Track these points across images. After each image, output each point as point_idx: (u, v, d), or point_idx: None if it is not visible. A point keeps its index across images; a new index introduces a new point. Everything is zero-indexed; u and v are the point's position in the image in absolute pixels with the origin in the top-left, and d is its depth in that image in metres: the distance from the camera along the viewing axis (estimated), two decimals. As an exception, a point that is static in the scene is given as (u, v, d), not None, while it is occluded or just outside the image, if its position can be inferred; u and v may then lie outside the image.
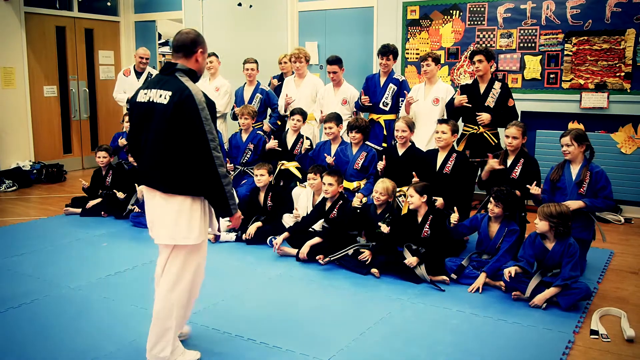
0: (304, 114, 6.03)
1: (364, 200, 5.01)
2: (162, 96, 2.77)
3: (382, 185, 4.72)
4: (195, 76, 2.92)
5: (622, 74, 6.08)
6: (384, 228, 4.50)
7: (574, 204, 4.25)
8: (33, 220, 6.15)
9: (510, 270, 3.91)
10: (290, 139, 6.08)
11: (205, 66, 3.05)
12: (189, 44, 2.88)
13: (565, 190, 4.50)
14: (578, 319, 3.66)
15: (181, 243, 2.89)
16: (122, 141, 6.68)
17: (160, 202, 2.87)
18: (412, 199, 4.54)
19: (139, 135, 2.91)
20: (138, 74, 7.38)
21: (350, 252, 4.58)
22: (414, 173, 5.00)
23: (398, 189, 5.09)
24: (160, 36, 10.81)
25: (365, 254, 4.48)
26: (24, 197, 7.37)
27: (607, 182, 4.39)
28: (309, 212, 5.31)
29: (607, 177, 4.43)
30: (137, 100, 2.92)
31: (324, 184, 4.96)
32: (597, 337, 3.44)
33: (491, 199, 4.37)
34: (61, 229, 5.75)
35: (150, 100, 2.82)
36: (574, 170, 4.49)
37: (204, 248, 3.06)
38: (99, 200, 6.27)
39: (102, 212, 6.18)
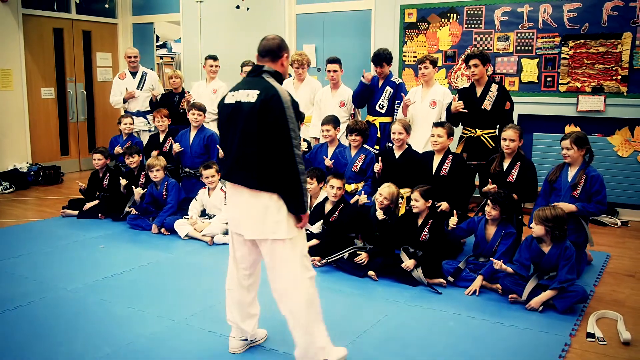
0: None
1: (365, 200, 5.01)
2: (249, 95, 2.88)
3: (388, 190, 4.70)
4: (280, 78, 3.02)
5: (619, 77, 6.09)
6: (380, 214, 4.54)
7: (566, 207, 4.26)
8: (30, 222, 6.14)
9: (500, 264, 3.94)
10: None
11: (287, 70, 3.15)
12: (276, 49, 3.01)
13: (560, 192, 4.53)
14: (574, 322, 3.67)
15: (271, 237, 2.92)
16: (118, 149, 6.67)
17: (248, 199, 2.93)
18: (417, 203, 4.53)
19: (227, 135, 3.01)
20: (133, 75, 7.38)
21: (347, 254, 4.58)
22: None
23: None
24: (158, 38, 10.82)
25: (362, 257, 4.49)
26: (21, 199, 7.36)
27: (601, 186, 4.40)
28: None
29: (603, 181, 4.44)
30: (225, 103, 3.02)
31: (332, 187, 4.92)
32: (593, 340, 3.44)
33: (488, 201, 4.38)
34: (58, 231, 5.75)
35: (238, 100, 2.93)
36: (571, 172, 4.50)
37: (302, 243, 3.05)
38: (96, 202, 6.26)
39: (100, 214, 6.17)
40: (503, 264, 3.99)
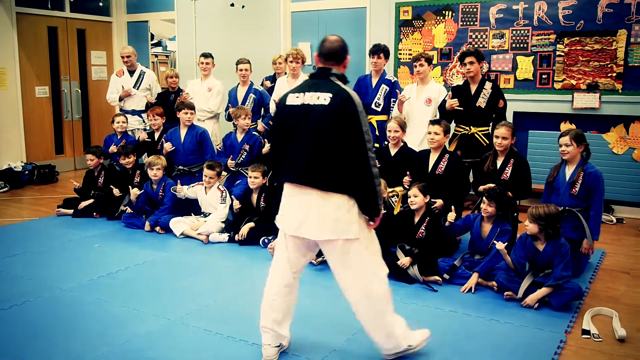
0: None
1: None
2: (319, 98, 2.88)
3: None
4: (346, 80, 3.02)
5: (614, 74, 6.10)
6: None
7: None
8: (25, 221, 6.12)
9: (502, 247, 3.99)
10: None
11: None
12: (340, 51, 3.02)
13: (559, 191, 4.52)
14: (570, 319, 3.67)
15: (343, 237, 2.91)
16: (113, 148, 6.65)
17: (317, 200, 2.91)
18: (416, 199, 4.54)
19: (288, 137, 2.98)
20: (131, 73, 7.36)
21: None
22: (408, 173, 5.01)
23: (391, 190, 5.10)
24: (152, 36, 10.78)
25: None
26: (15, 198, 7.33)
27: (598, 183, 4.40)
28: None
29: (602, 178, 4.44)
30: (287, 104, 3.00)
31: None
32: (588, 337, 3.45)
33: (484, 198, 4.38)
34: (53, 230, 5.73)
35: (306, 103, 2.91)
36: (569, 170, 4.50)
37: (375, 241, 3.06)
38: (91, 201, 6.25)
39: (95, 213, 6.16)
40: (504, 248, 4.01)
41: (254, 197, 5.47)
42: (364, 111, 2.87)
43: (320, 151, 2.86)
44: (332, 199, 2.88)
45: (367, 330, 3.09)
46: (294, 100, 2.97)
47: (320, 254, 4.63)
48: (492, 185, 4.60)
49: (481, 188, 4.68)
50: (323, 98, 2.86)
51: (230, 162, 6.09)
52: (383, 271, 3.03)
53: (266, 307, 3.17)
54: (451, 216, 4.44)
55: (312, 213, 2.93)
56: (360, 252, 2.95)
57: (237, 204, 5.46)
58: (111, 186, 6.18)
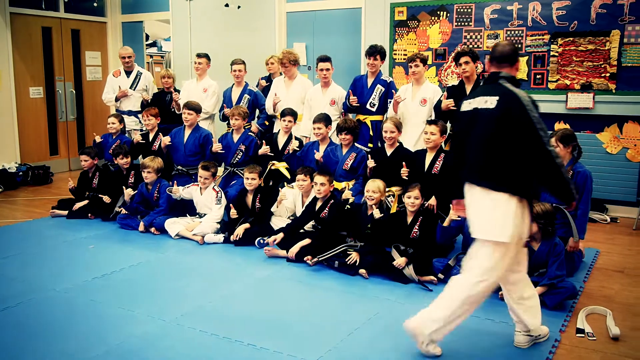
0: (294, 115, 6.03)
1: (352, 199, 5.02)
2: (487, 102, 3.02)
3: (374, 184, 4.72)
4: (517, 82, 3.13)
5: (607, 74, 6.13)
6: (377, 213, 4.58)
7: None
8: (19, 222, 6.10)
9: None
10: (281, 140, 6.07)
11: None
12: (512, 54, 3.14)
13: (549, 190, 4.55)
14: (564, 318, 3.69)
15: (493, 239, 2.97)
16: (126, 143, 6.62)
17: (478, 198, 3.05)
18: (417, 201, 4.54)
19: (464, 140, 3.17)
20: (128, 74, 7.35)
21: (338, 253, 4.59)
22: (403, 163, 5.02)
23: (387, 189, 5.11)
24: (147, 37, 10.77)
25: (352, 257, 4.48)
26: (9, 199, 7.31)
27: (586, 183, 4.43)
28: (296, 213, 5.33)
29: (591, 177, 4.47)
30: (462, 111, 3.21)
31: (316, 183, 4.97)
32: (583, 335, 3.46)
33: None
34: (47, 232, 5.71)
35: (475, 107, 3.08)
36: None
37: (514, 253, 3.08)
38: (85, 202, 6.23)
39: (89, 214, 6.14)
40: None
41: (249, 197, 5.46)
42: (533, 105, 2.96)
43: (486, 152, 3.01)
44: (492, 198, 2.98)
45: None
46: (467, 106, 3.17)
47: (315, 254, 4.65)
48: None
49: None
50: (490, 102, 3.00)
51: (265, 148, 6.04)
52: (493, 280, 3.05)
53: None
54: (453, 215, 4.44)
55: (472, 210, 3.10)
56: (494, 255, 3.00)
57: (234, 213, 5.45)
58: (100, 195, 6.17)
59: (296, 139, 6.00)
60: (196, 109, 6.22)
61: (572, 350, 3.30)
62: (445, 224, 4.47)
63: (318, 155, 5.55)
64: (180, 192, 5.69)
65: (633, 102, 6.04)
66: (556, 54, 6.34)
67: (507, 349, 3.30)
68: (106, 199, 6.09)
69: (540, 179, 3.00)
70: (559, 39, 6.32)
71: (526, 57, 6.49)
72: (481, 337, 3.45)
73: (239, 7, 8.05)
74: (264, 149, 5.99)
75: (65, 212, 6.21)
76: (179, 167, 6.26)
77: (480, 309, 3.80)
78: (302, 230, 5.08)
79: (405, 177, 4.98)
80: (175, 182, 5.83)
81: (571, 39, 6.26)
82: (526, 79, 6.51)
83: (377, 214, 4.61)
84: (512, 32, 6.54)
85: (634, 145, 6.12)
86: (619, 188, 6.21)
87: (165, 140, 6.24)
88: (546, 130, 2.94)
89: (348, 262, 4.47)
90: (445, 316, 3.06)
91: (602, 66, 6.15)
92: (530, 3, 6.42)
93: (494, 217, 2.97)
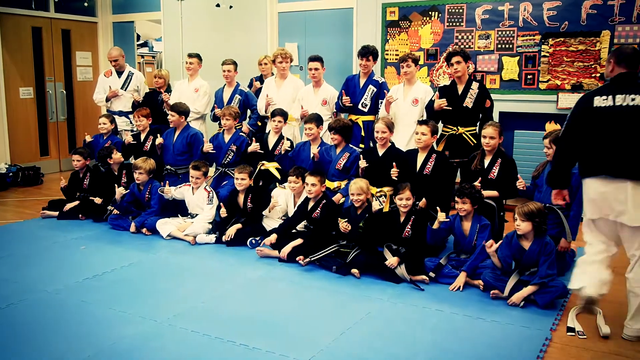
0: (284, 115, 6.02)
1: (342, 200, 5.02)
2: (635, 100, 3.28)
3: (355, 186, 4.72)
4: None
5: (598, 74, 6.16)
6: (376, 205, 4.70)
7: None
8: (9, 223, 6.07)
9: (492, 244, 4.09)
10: (271, 140, 6.07)
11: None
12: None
13: (541, 188, 4.60)
14: (555, 317, 3.71)
15: None
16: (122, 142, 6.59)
17: (632, 190, 3.28)
18: (409, 201, 4.55)
19: (597, 135, 3.38)
20: (119, 74, 7.33)
21: (332, 252, 4.59)
22: (394, 164, 5.03)
23: (379, 190, 5.12)
24: (139, 37, 10.73)
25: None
26: (0, 200, 7.26)
27: (580, 184, 4.45)
28: (288, 213, 5.33)
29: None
30: (595, 106, 3.39)
31: (307, 184, 4.97)
32: (573, 334, 3.49)
33: (456, 198, 4.41)
34: (38, 233, 5.68)
35: (619, 104, 3.31)
36: (551, 168, 4.57)
37: None
38: (76, 203, 6.20)
39: (80, 215, 6.11)
40: (492, 246, 4.08)
41: (241, 198, 5.46)
42: None
43: (636, 146, 3.26)
44: None
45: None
46: (601, 102, 3.37)
47: (307, 254, 4.65)
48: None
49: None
50: (638, 100, 3.26)
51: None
52: None
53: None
54: (441, 216, 4.46)
55: (629, 202, 3.29)
56: None
57: (223, 212, 5.44)
58: (90, 197, 6.14)
59: (287, 139, 6.00)
60: (179, 110, 6.18)
61: (562, 348, 3.32)
62: (435, 226, 4.47)
63: (315, 150, 5.55)
64: (172, 192, 5.68)
65: (623, 102, 6.07)
66: (547, 54, 6.37)
67: (498, 347, 3.31)
68: (97, 200, 6.07)
69: None
70: (550, 39, 6.35)
71: (517, 58, 6.52)
72: (473, 336, 3.46)
73: (230, 7, 8.03)
74: (254, 146, 5.98)
75: (56, 213, 6.17)
76: (168, 167, 6.25)
77: (471, 308, 3.84)
78: (294, 230, 5.08)
79: (394, 178, 4.99)
80: (167, 182, 5.82)
81: (562, 39, 6.29)
82: (517, 79, 6.53)
83: (376, 205, 4.62)
84: (504, 33, 6.57)
85: (624, 145, 6.16)
86: (609, 187, 6.24)
87: (159, 140, 6.23)
88: None
89: (347, 260, 4.48)
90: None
91: (593, 66, 6.18)
92: (521, 3, 6.45)
93: None
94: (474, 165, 4.88)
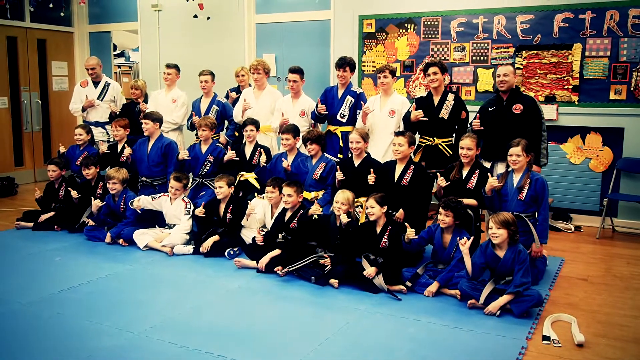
0: (256, 124, 6.02)
1: (320, 210, 5.04)
2: None
3: (343, 195, 4.76)
4: None
5: (570, 86, 6.29)
6: (344, 218, 4.66)
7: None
8: (-18, 235, 5.97)
9: (465, 242, 4.11)
10: (247, 150, 6.06)
11: None
12: None
13: (506, 197, 4.66)
14: (530, 325, 3.75)
15: None
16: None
17: None
18: (372, 209, 4.58)
19: None
20: (95, 84, 7.27)
21: (309, 263, 4.60)
22: (371, 170, 5.06)
23: (355, 200, 5.14)
24: (115, 47, 10.67)
25: (326, 260, 4.50)
26: (-28, 211, 7.15)
27: (544, 189, 4.58)
28: (266, 224, 5.33)
29: (547, 184, 4.63)
30: None
31: (284, 195, 4.98)
32: (548, 342, 3.53)
33: (440, 209, 4.45)
34: (12, 244, 5.60)
35: None
36: (517, 177, 4.65)
37: None
38: (51, 214, 6.12)
39: (55, 226, 6.03)
40: (466, 243, 4.12)
41: (222, 207, 5.44)
42: None
43: None
44: None
45: None
46: None
47: (285, 265, 4.65)
48: (494, 181, 4.66)
49: (438, 182, 4.86)
50: None
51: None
52: None
53: None
54: (411, 233, 4.49)
55: None
56: None
57: (201, 211, 5.41)
58: (69, 188, 6.06)
59: (262, 147, 6.00)
60: (153, 118, 6.16)
61: (538, 357, 3.37)
62: (406, 240, 4.51)
63: (286, 164, 5.57)
64: (142, 202, 5.60)
65: (594, 113, 6.21)
66: (521, 67, 6.49)
67: (475, 356, 3.34)
68: (74, 193, 5.97)
69: None
70: (524, 51, 6.47)
71: (492, 69, 6.62)
72: (450, 345, 3.49)
73: (208, 18, 8.04)
74: (230, 154, 5.97)
75: (31, 224, 6.09)
76: (143, 179, 6.20)
77: (448, 317, 3.88)
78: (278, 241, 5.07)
79: (372, 183, 5.02)
80: (141, 196, 5.76)
81: (535, 52, 6.42)
82: (492, 90, 6.63)
83: (344, 218, 4.64)
84: (478, 45, 6.68)
85: (596, 156, 6.28)
86: (582, 198, 6.36)
87: (127, 151, 6.17)
88: None
89: (322, 264, 4.52)
90: None
91: (565, 78, 6.31)
92: (495, 17, 6.56)
93: None
94: (453, 176, 4.94)
